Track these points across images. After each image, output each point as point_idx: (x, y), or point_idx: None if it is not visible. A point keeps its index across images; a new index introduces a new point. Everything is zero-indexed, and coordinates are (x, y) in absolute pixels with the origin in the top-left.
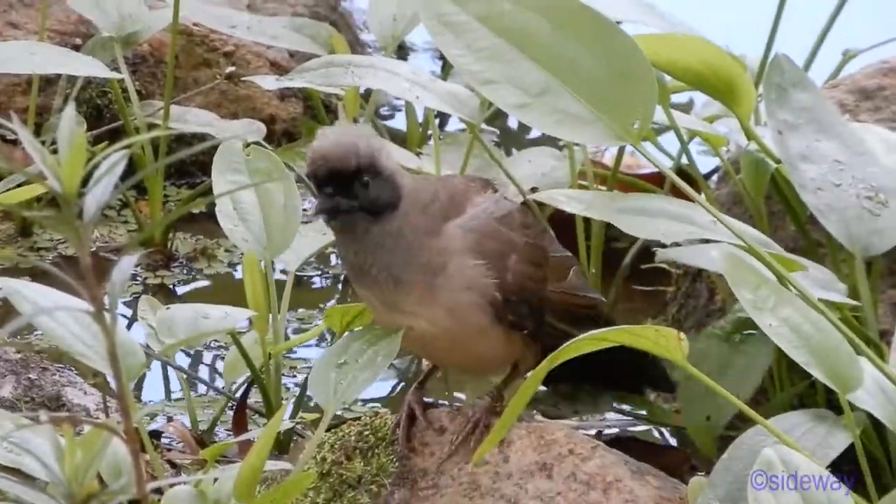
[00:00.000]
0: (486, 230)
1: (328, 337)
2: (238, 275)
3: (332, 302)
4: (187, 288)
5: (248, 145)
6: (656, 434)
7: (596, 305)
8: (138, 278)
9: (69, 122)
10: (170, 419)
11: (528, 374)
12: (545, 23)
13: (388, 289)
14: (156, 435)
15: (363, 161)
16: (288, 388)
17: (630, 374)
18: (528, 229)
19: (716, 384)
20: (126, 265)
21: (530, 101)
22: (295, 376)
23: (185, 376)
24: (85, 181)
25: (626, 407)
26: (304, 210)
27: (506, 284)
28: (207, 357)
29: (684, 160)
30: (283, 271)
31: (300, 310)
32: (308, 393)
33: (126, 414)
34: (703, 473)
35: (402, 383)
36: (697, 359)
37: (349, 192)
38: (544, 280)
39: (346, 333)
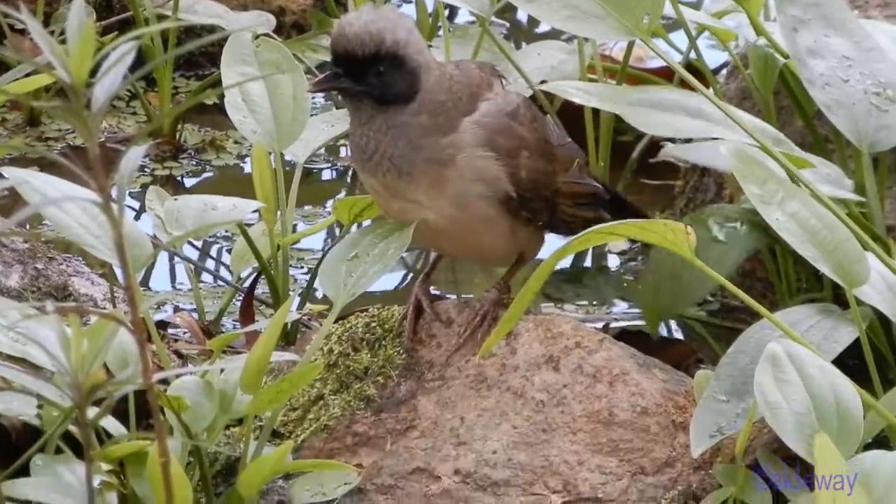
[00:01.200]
0: (499, 127)
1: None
2: (246, 167)
3: (342, 194)
4: (195, 179)
5: (257, 37)
6: (663, 327)
7: (597, 193)
8: (146, 169)
9: (78, 13)
10: (177, 309)
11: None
12: None
13: (392, 177)
14: (162, 325)
15: (385, 50)
16: (295, 280)
17: None
18: (535, 123)
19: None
20: (134, 156)
21: None
22: (302, 267)
23: (192, 267)
24: (94, 72)
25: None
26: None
27: (520, 181)
28: (214, 249)
29: (693, 55)
30: (292, 163)
31: (307, 207)
32: (316, 285)
33: (133, 304)
34: (708, 367)
35: (410, 275)
36: None
37: (359, 77)
38: (555, 173)
39: (358, 227)
